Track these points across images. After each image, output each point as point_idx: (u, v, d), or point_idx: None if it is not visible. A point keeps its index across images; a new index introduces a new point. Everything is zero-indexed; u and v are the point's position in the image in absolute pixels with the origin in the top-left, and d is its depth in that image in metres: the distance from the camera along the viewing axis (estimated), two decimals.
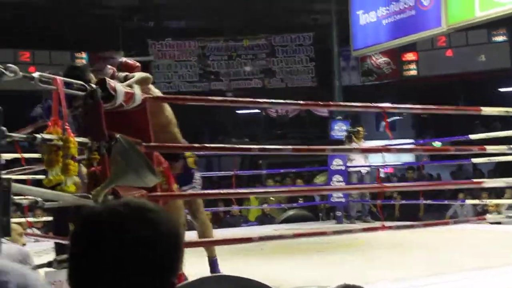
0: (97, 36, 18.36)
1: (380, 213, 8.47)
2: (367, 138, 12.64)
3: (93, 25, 18.73)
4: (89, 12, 18.47)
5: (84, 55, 18.83)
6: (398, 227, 5.17)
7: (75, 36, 18.37)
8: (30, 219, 8.29)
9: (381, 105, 5.90)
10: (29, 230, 8.82)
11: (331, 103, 4.75)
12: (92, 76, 4.80)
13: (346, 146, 10.78)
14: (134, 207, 1.31)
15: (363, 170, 11.18)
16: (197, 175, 4.62)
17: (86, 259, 1.27)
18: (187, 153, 4.74)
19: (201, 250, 5.40)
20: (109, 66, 4.91)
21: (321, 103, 5.10)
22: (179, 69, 19.85)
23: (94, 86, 3.79)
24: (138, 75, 4.61)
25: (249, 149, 4.66)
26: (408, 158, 19.35)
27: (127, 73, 4.75)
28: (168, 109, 4.72)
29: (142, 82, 4.44)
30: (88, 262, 1.26)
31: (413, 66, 19.46)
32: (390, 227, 5.02)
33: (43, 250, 7.34)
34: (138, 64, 5.03)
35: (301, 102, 4.92)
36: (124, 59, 4.96)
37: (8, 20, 16.93)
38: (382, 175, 20.98)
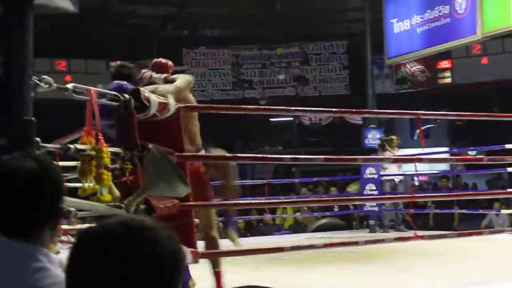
0: (132, 45, 18.56)
1: (412, 222, 8.39)
2: (401, 146, 12.55)
3: (128, 34, 18.95)
4: (124, 22, 18.68)
5: (119, 63, 19.03)
6: (431, 237, 5.11)
7: (110, 45, 18.59)
8: (65, 227, 8.37)
9: (415, 112, 5.84)
10: (64, 238, 8.92)
11: (364, 110, 4.74)
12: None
13: (379, 155, 10.72)
14: (132, 226, 1.25)
15: (397, 179, 11.09)
16: None
17: (80, 280, 1.23)
18: None
19: (234, 259, 5.41)
20: (144, 70, 4.95)
21: (354, 110, 5.10)
22: (213, 78, 19.94)
23: (127, 96, 3.82)
24: (182, 77, 4.63)
25: (281, 159, 4.63)
26: (443, 166, 19.16)
27: (166, 75, 4.79)
28: (196, 120, 4.72)
29: (186, 86, 4.47)
30: (82, 284, 1.23)
31: (447, 73, 19.27)
32: (422, 237, 4.97)
33: None
34: (171, 62, 5.07)
35: (334, 109, 4.92)
36: (157, 59, 4.98)
37: (45, 29, 17.16)
38: (416, 183, 20.86)
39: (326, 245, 4.74)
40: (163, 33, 19.13)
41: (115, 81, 4.92)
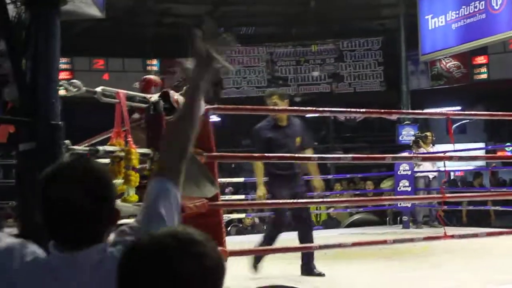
0: (168, 43, 18.67)
1: (441, 220, 8.31)
2: (437, 142, 12.42)
3: (163, 33, 19.08)
4: (160, 21, 18.81)
5: (155, 62, 19.17)
6: (461, 236, 5.06)
7: (147, 44, 18.75)
8: None
9: (445, 112, 5.79)
10: None
11: (392, 111, 4.73)
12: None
13: (413, 152, 10.66)
14: (181, 239, 1.30)
15: (431, 175, 11.00)
16: None
17: None
18: None
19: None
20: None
21: (382, 111, 5.06)
22: (248, 75, 19.97)
23: (156, 98, 3.86)
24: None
25: (308, 158, 4.65)
26: (479, 162, 18.92)
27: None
28: None
29: None
30: None
31: (483, 69, 19.00)
32: (452, 236, 4.92)
33: None
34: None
35: (362, 110, 4.91)
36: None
37: (84, 30, 17.38)
38: (452, 177, 20.64)
39: (354, 244, 4.73)
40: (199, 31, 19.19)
41: None
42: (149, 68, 18.90)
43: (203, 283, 1.28)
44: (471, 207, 11.31)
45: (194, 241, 1.31)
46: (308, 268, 5.64)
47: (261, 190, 5.60)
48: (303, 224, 5.75)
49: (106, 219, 1.68)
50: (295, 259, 6.23)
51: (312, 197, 6.43)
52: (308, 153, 5.70)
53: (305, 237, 5.60)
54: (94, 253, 1.62)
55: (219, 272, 1.33)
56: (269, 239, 5.63)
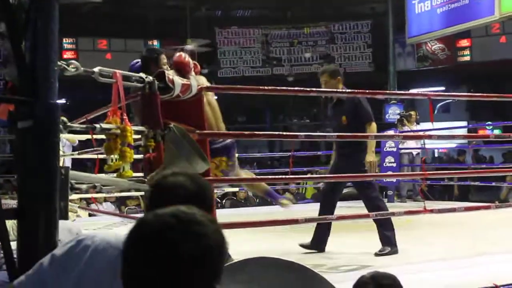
0: (168, 25, 18.59)
1: (421, 195, 8.33)
2: (422, 120, 12.43)
3: (164, 15, 18.98)
4: (161, 3, 18.69)
5: (156, 42, 19.07)
6: (440, 211, 5.08)
7: (148, 25, 18.65)
8: (96, 195, 8.48)
9: (426, 93, 5.78)
10: (93, 206, 9.11)
11: (378, 91, 4.73)
12: (164, 59, 4.86)
13: (398, 130, 10.70)
14: (182, 219, 1.28)
15: (414, 152, 11.03)
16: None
17: (136, 266, 1.28)
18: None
19: (256, 228, 5.44)
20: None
21: (367, 91, 5.04)
22: (244, 55, 19.93)
23: (151, 78, 3.84)
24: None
25: (296, 136, 4.64)
26: (462, 140, 18.95)
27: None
28: (207, 97, 4.62)
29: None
30: (137, 270, 1.28)
31: (467, 52, 18.97)
32: (432, 210, 4.94)
33: (113, 223, 7.56)
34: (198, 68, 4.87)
35: (348, 90, 4.90)
36: (178, 56, 4.79)
37: (88, 11, 17.29)
38: (436, 155, 20.69)
39: (338, 218, 4.74)
40: (198, 13, 19.09)
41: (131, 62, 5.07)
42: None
43: (202, 263, 1.26)
44: (452, 183, 11.35)
45: (194, 221, 1.29)
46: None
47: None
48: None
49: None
50: (282, 232, 6.27)
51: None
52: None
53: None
54: None
55: (220, 252, 1.30)
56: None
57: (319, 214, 5.47)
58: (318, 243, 5.55)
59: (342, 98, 5.59)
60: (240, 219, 5.50)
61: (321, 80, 5.52)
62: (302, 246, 5.52)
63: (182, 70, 4.54)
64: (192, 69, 4.64)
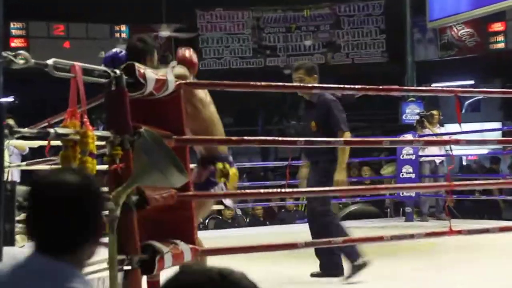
0: (139, 6, 18.53)
1: (447, 212, 8.40)
2: (447, 121, 12.45)
3: None
4: None
5: (124, 28, 19.05)
6: (470, 232, 5.07)
7: (115, 7, 18.57)
8: None
9: (452, 89, 5.78)
10: None
11: (393, 87, 4.70)
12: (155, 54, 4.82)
13: (417, 134, 10.69)
14: (231, 281, 1.37)
15: (437, 160, 11.05)
16: (221, 186, 4.53)
17: None
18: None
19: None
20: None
21: (380, 87, 5.03)
22: (231, 43, 19.92)
23: (118, 72, 3.81)
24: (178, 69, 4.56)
25: (294, 142, 4.62)
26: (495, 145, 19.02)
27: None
28: (200, 94, 4.65)
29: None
30: None
31: (501, 38, 19.03)
32: (460, 232, 4.93)
33: None
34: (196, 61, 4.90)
35: (357, 86, 4.89)
36: (181, 51, 4.80)
37: None
38: (464, 163, 20.75)
39: (345, 241, 4.73)
40: None
41: (112, 50, 4.95)
42: (117, 35, 18.81)
43: None
44: (483, 197, 11.38)
45: (241, 286, 1.38)
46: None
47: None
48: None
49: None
50: (279, 258, 6.26)
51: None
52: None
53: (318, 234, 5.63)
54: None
55: None
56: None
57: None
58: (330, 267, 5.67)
59: (312, 100, 5.89)
60: (227, 243, 5.49)
61: (295, 77, 5.79)
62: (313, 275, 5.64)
63: (189, 70, 4.55)
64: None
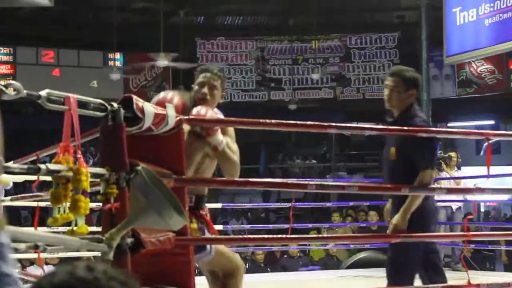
0: (136, 33, 18.66)
1: (463, 263, 8.40)
2: (465, 164, 12.45)
3: (130, 20, 19.05)
4: (126, 5, 18.78)
5: (118, 56, 19.16)
6: (489, 286, 5.04)
7: (109, 33, 18.69)
8: (45, 255, 8.41)
9: (482, 131, 5.77)
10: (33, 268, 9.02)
11: (408, 128, 4.65)
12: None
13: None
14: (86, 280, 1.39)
15: (454, 206, 11.02)
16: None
17: None
18: None
19: None
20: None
21: (405, 128, 5.01)
22: (233, 75, 20.00)
23: (116, 106, 3.85)
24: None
25: (304, 186, 4.60)
26: None
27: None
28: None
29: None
30: None
31: None
32: (478, 286, 4.90)
33: None
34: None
35: (369, 126, 4.91)
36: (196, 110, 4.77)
37: (30, 13, 17.33)
38: (482, 209, 20.70)
39: None
40: (174, 19, 19.19)
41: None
42: (111, 63, 18.90)
43: None
44: (503, 247, 11.32)
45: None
46: None
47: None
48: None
49: None
50: None
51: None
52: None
53: None
54: None
55: None
56: None
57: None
58: None
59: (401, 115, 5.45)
60: None
61: (387, 83, 5.51)
62: None
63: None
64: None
